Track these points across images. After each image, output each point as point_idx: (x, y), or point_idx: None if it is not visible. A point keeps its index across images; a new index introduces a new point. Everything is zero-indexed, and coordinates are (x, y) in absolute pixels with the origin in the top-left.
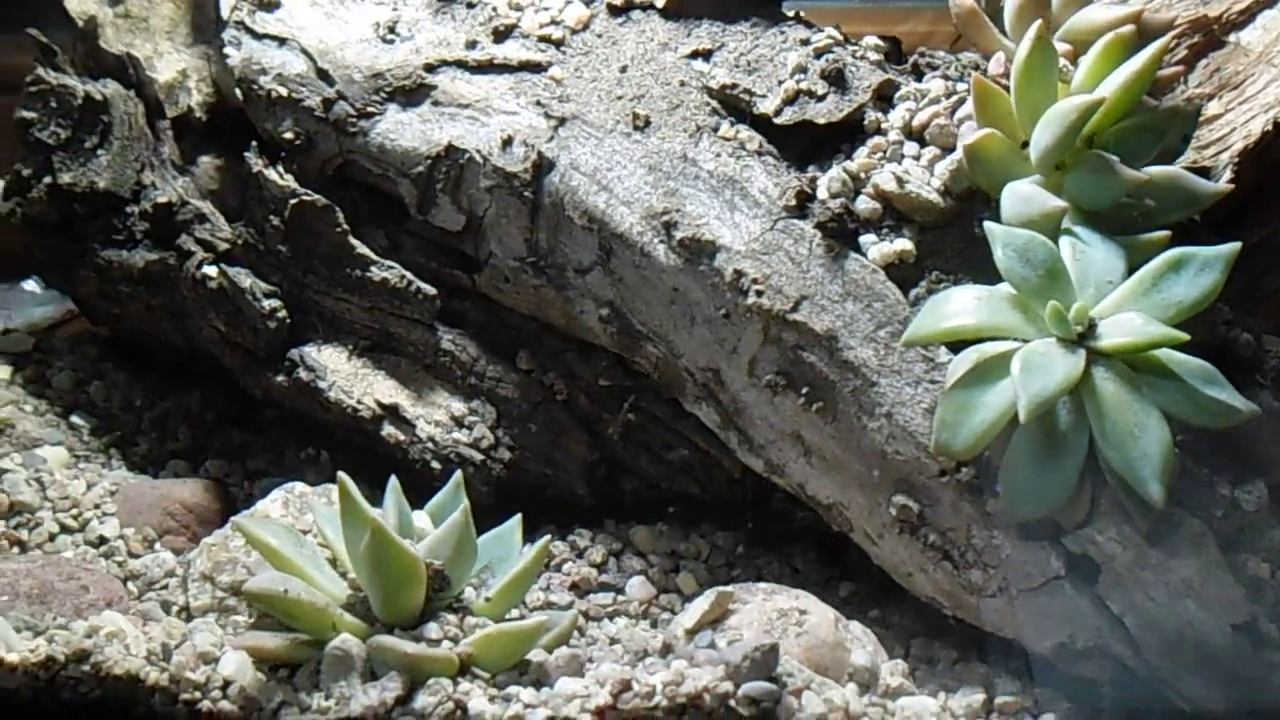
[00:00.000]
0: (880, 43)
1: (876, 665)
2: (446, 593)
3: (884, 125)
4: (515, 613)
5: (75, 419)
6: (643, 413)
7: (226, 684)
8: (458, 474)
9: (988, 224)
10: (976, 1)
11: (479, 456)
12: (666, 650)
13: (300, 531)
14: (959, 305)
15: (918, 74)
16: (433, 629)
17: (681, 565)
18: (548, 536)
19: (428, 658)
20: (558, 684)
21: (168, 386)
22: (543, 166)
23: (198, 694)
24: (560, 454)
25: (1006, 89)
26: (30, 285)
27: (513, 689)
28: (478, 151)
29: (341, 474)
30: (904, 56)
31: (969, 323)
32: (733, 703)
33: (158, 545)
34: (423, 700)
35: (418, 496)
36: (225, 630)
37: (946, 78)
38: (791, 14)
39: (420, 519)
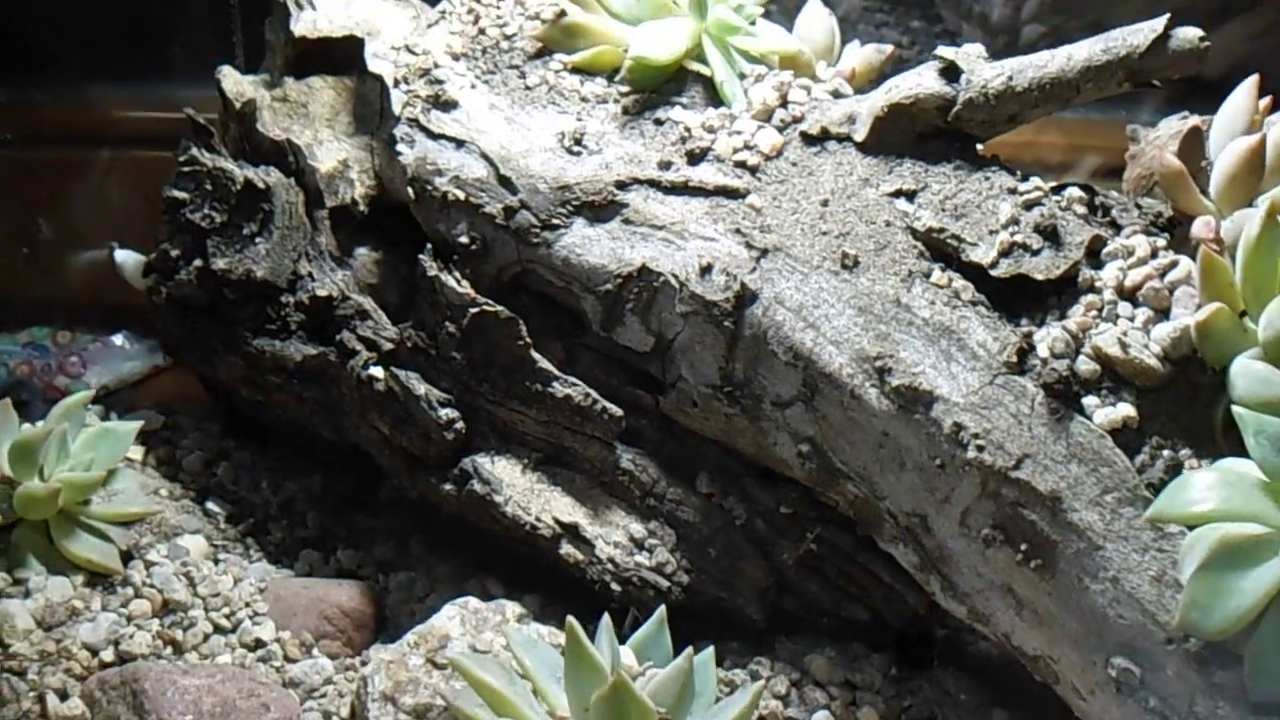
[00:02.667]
0: (1081, 193)
1: None
2: None
3: (1097, 284)
4: None
5: (210, 505)
6: (825, 543)
7: None
8: (661, 610)
9: (1236, 409)
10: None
11: (664, 583)
12: None
13: (484, 654)
14: (1205, 491)
15: (1113, 224)
16: None
17: (859, 698)
18: (760, 684)
19: None
20: None
21: (289, 465)
22: (745, 297)
23: None
24: (737, 579)
25: (1219, 252)
26: (119, 340)
27: None
28: (673, 275)
29: (571, 620)
30: (1095, 202)
31: (1219, 509)
32: None
33: (314, 650)
34: None
35: (572, 606)
36: None
37: (1145, 233)
38: (989, 155)
39: (625, 654)
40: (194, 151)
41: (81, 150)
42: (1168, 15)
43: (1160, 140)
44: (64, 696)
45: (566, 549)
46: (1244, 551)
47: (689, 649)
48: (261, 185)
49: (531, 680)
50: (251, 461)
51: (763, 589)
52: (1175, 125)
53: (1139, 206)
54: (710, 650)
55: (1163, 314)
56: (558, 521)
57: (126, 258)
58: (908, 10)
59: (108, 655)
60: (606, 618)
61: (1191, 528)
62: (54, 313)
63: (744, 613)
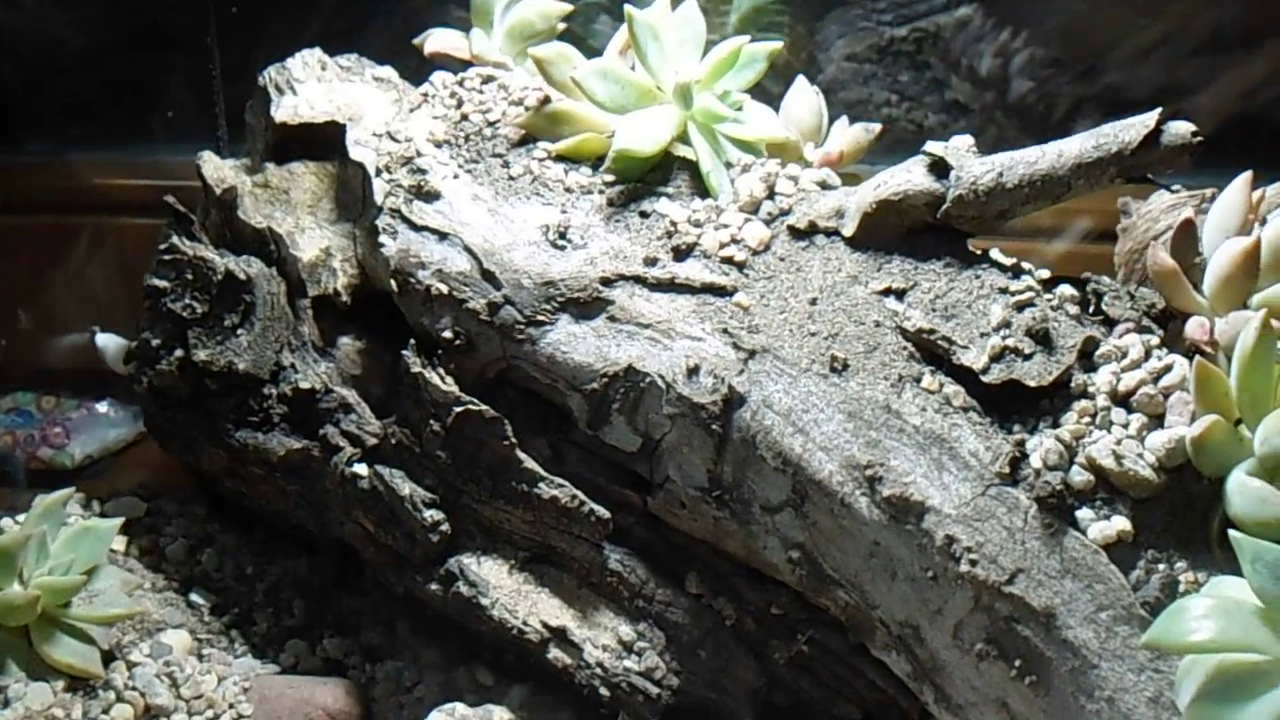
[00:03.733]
0: (1074, 292)
1: None
2: None
3: (1090, 389)
4: None
5: (194, 596)
6: (817, 644)
7: None
8: None
9: (1234, 534)
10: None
11: (653, 689)
12: None
13: None
14: (1202, 619)
15: (1106, 320)
16: None
17: None
18: None
19: None
20: None
21: (274, 549)
22: (733, 401)
23: None
24: (728, 680)
25: (1212, 354)
26: (103, 407)
27: None
28: (660, 376)
29: None
30: (1087, 293)
31: (1218, 639)
32: None
33: None
34: None
35: (561, 699)
36: None
37: (1139, 329)
38: (980, 251)
39: None
40: (175, 240)
41: (64, 217)
42: (1158, 110)
43: (1152, 214)
44: None
45: (555, 653)
46: (1242, 682)
47: None
48: (243, 276)
49: None
50: (236, 545)
51: (754, 689)
52: (1167, 200)
53: (1131, 295)
54: None
55: (1157, 420)
56: (545, 625)
57: (108, 342)
58: (895, 61)
59: None
60: None
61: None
62: (38, 378)
63: (735, 714)
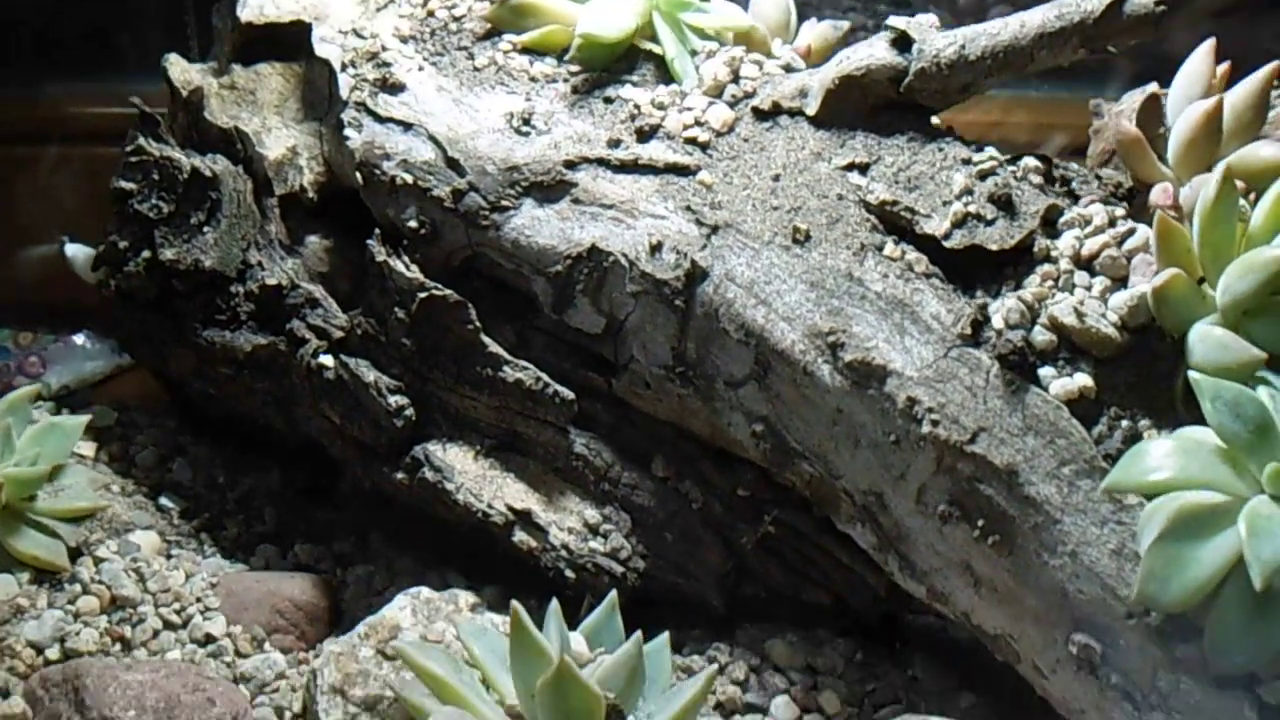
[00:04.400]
0: (1038, 163)
1: None
2: None
3: (1053, 252)
4: None
5: (164, 500)
6: (783, 525)
7: None
8: (612, 595)
9: (1192, 374)
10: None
11: (618, 569)
12: None
13: (435, 644)
14: (1163, 458)
15: (1070, 194)
16: None
17: (820, 682)
18: (713, 668)
19: None
20: None
21: (247, 461)
22: (695, 275)
23: None
24: (695, 564)
25: (1177, 219)
26: (80, 339)
27: None
28: (623, 255)
29: (515, 604)
30: (1054, 173)
31: (1178, 476)
32: None
33: (266, 645)
34: None
35: (532, 596)
36: None
37: (1104, 202)
38: (943, 126)
39: (576, 640)
40: (141, 141)
41: (35, 147)
42: None
43: (1124, 113)
44: (5, 694)
45: (519, 536)
46: (1201, 521)
47: (638, 634)
48: (209, 173)
49: (480, 669)
50: (208, 457)
51: (722, 574)
52: (1138, 98)
53: (1099, 178)
54: (665, 636)
55: (1120, 283)
56: (510, 508)
57: (77, 252)
58: None
59: (53, 653)
60: (555, 603)
61: (1149, 498)
62: (14, 315)
63: (703, 598)
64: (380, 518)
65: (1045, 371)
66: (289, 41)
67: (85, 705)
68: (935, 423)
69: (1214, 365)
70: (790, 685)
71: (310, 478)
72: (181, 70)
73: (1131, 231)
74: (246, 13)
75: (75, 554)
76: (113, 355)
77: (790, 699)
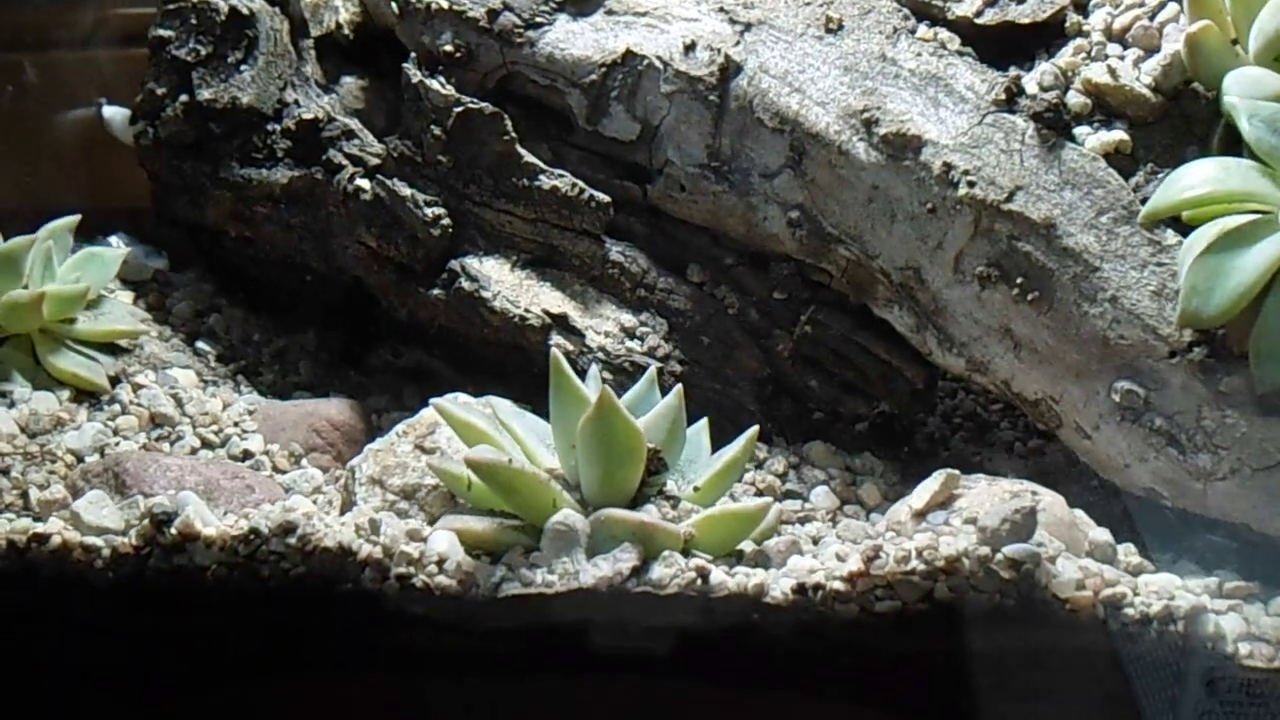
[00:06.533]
0: None
1: (1114, 543)
2: (660, 477)
3: (1085, 27)
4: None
5: (200, 345)
6: (819, 325)
7: (441, 559)
8: (651, 369)
9: (1228, 98)
10: None
11: (655, 364)
12: (893, 531)
13: (488, 417)
14: (1203, 175)
15: None
16: (651, 510)
17: (859, 480)
18: (755, 427)
19: (661, 530)
20: (790, 561)
21: (281, 326)
22: (729, 70)
23: (411, 569)
24: (731, 369)
25: None
26: (115, 241)
27: (740, 568)
28: (657, 58)
29: (555, 350)
30: None
31: (1218, 190)
32: (993, 565)
33: (304, 461)
34: (659, 571)
35: None
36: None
37: None
38: None
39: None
40: None
41: (83, 51)
42: None
43: None
44: (44, 487)
45: (556, 339)
46: (1243, 234)
47: (678, 387)
48: (246, 12)
49: (520, 443)
50: (243, 318)
51: (759, 379)
52: None
53: None
54: (704, 421)
55: (1153, 52)
56: (547, 313)
57: (114, 113)
58: None
59: (93, 460)
60: (595, 367)
61: (1188, 233)
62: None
63: (740, 404)
64: (414, 379)
65: (1081, 130)
66: None
67: (126, 486)
68: (971, 184)
69: (1248, 99)
70: (830, 479)
71: (345, 342)
72: None
73: (1163, 4)
74: None
75: (114, 381)
76: (146, 259)
77: (830, 490)
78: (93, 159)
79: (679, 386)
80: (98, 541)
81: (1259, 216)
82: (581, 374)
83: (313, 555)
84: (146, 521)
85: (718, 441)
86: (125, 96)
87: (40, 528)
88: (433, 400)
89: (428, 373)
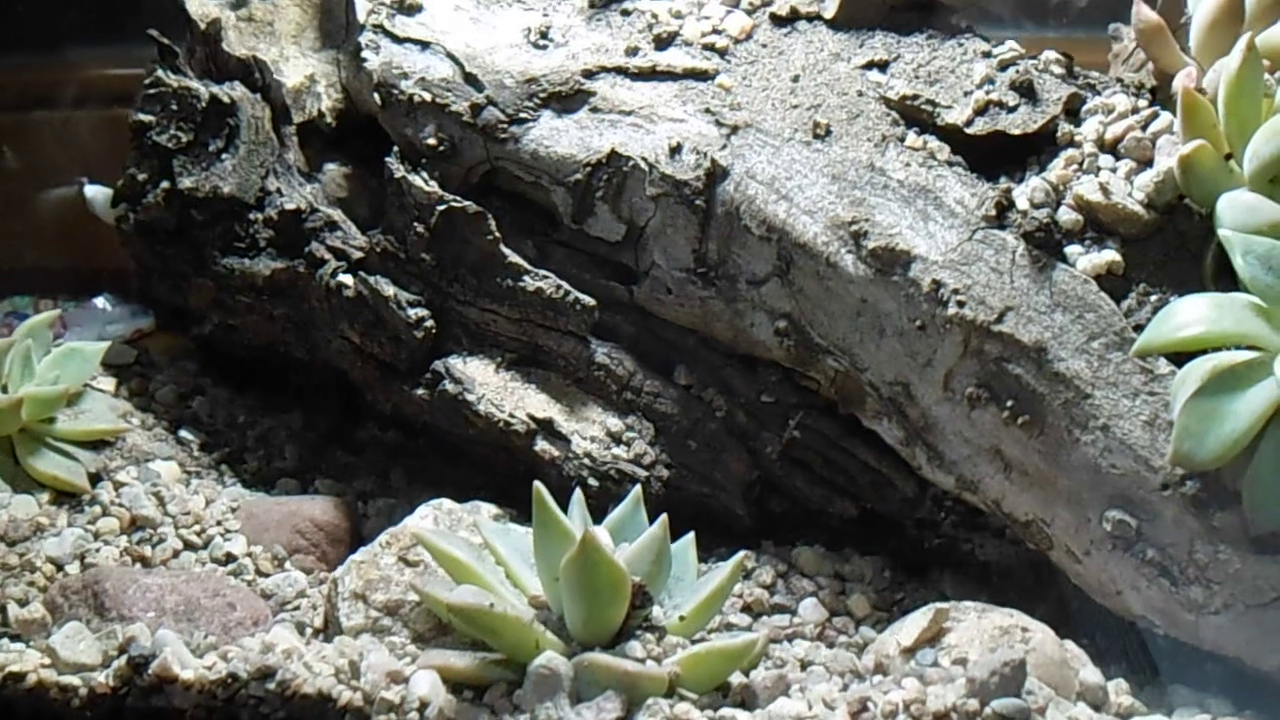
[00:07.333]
0: (1059, 57)
1: (1104, 683)
2: (644, 610)
3: (1077, 137)
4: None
5: (183, 433)
6: (808, 430)
7: (423, 704)
8: (636, 489)
9: (1223, 231)
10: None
11: (641, 473)
12: (880, 670)
13: (470, 544)
14: (1196, 313)
15: (1091, 87)
16: (635, 648)
17: (848, 588)
18: (743, 552)
19: (646, 676)
20: (773, 705)
21: (267, 405)
22: (716, 174)
23: (392, 715)
24: (720, 473)
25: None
26: (100, 302)
27: (725, 711)
28: (643, 159)
29: (539, 486)
30: (1074, 70)
31: (1212, 331)
32: None
33: (287, 564)
34: None
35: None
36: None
37: (1127, 94)
38: (964, 24)
39: (600, 534)
40: (159, 73)
41: (55, 111)
42: None
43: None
44: (24, 604)
45: (541, 445)
46: (1237, 375)
47: (663, 518)
48: (227, 100)
49: (504, 565)
50: (228, 399)
51: (747, 483)
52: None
53: (1120, 80)
54: (690, 536)
55: (1146, 165)
56: (531, 417)
57: (96, 192)
58: None
59: (73, 569)
60: (579, 493)
61: (1181, 363)
62: (36, 282)
63: (729, 509)
64: (401, 458)
65: (1072, 249)
66: None
67: (105, 608)
68: (961, 304)
69: (1244, 228)
70: (818, 589)
71: (332, 421)
72: (199, 3)
73: (1155, 115)
74: None
75: (95, 479)
76: (133, 318)
77: (818, 601)
78: (80, 218)
79: (663, 517)
80: (75, 680)
81: (1253, 356)
82: (566, 483)
83: (292, 700)
84: (124, 661)
85: (707, 544)
86: (110, 159)
87: (16, 666)
88: (414, 528)
89: (415, 452)
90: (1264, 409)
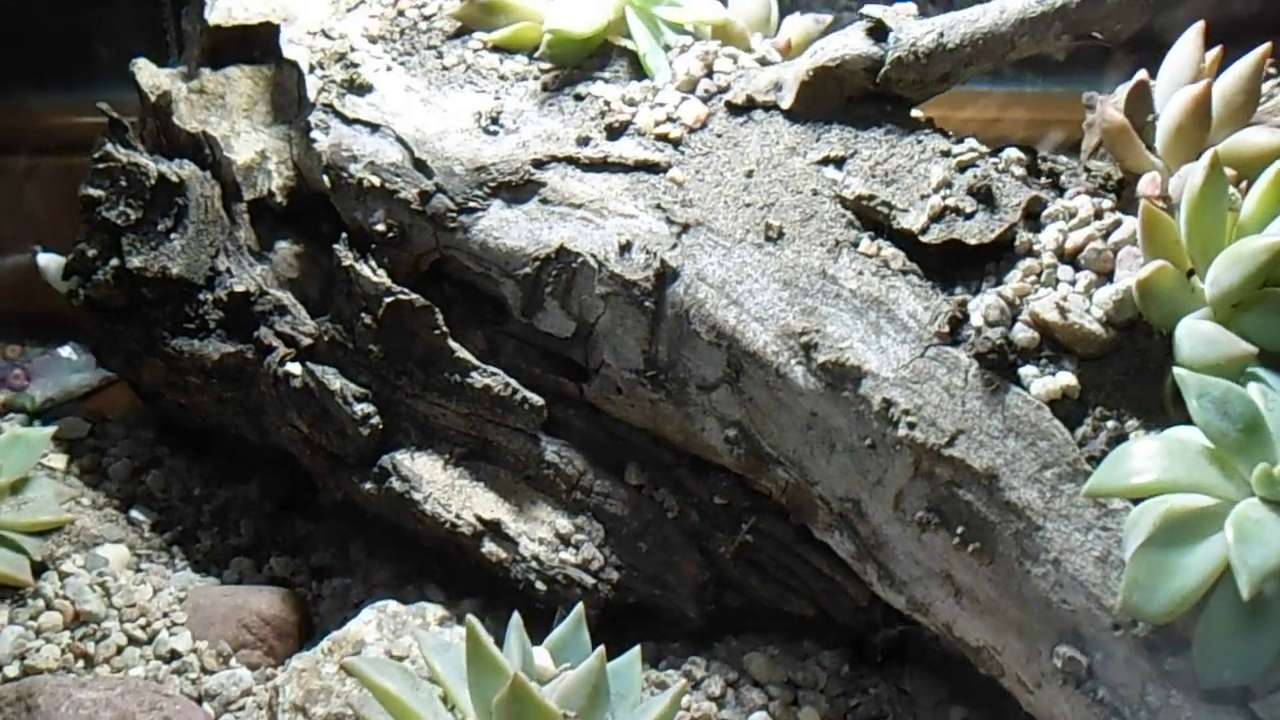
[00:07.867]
0: (1021, 155)
1: None
2: None
3: (1035, 246)
4: None
5: (135, 513)
6: (761, 534)
7: None
8: (579, 608)
9: (1178, 371)
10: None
11: (589, 580)
12: None
13: (400, 659)
14: (1147, 460)
15: (1056, 185)
16: None
17: (801, 697)
18: (682, 683)
19: None
20: None
21: (224, 473)
22: (665, 275)
23: None
24: (671, 574)
25: (1166, 210)
26: (66, 351)
27: None
28: (592, 255)
29: (470, 619)
30: (1039, 165)
31: (1163, 479)
32: None
33: (233, 661)
34: None
35: (509, 610)
36: None
37: (1091, 194)
38: (924, 118)
39: (540, 655)
40: (109, 147)
41: (9, 157)
42: None
43: (1118, 104)
44: None
45: (489, 547)
46: (1188, 526)
47: (600, 649)
48: (175, 179)
49: (442, 685)
50: (185, 469)
51: (699, 585)
52: (1127, 86)
53: (1088, 170)
54: (636, 651)
55: (1106, 277)
56: (479, 519)
57: (49, 261)
58: None
59: (12, 670)
60: (516, 616)
61: (1135, 502)
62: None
63: (680, 610)
64: (360, 529)
65: (1027, 370)
66: (258, 44)
67: None
68: (912, 425)
69: (1202, 361)
70: (769, 700)
71: (289, 489)
72: (150, 75)
73: (1118, 224)
74: (215, 15)
75: (41, 568)
76: (98, 368)
77: (768, 714)
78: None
79: (600, 649)
80: None
81: (1206, 504)
82: (515, 583)
83: None
84: None
85: (659, 641)
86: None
87: None
88: (346, 661)
89: (375, 522)
90: (1214, 567)
